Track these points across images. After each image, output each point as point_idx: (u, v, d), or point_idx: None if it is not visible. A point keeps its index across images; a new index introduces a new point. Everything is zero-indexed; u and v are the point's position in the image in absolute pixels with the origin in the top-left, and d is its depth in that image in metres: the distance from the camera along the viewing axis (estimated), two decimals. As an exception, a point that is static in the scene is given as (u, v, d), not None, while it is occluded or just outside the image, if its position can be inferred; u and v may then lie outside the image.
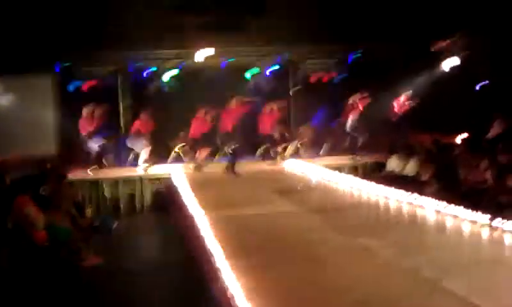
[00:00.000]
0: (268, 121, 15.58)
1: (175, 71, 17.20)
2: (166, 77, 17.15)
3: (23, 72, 16.65)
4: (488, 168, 10.30)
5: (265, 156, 16.15)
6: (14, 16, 16.08)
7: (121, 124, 17.22)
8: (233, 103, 14.85)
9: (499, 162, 10.58)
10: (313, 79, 17.99)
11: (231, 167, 14.05)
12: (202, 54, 16.68)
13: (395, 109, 16.37)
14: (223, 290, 4.70)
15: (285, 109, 16.40)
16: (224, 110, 14.84)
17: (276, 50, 17.79)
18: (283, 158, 15.73)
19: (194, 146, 15.24)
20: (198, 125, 14.94)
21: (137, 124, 15.41)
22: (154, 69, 17.12)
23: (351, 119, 15.78)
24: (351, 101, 15.89)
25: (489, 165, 10.39)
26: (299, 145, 17.32)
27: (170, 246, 9.74)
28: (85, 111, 15.24)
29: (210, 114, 14.93)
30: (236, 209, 8.76)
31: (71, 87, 16.96)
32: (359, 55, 17.80)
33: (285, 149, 16.22)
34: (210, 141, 15.09)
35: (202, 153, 15.01)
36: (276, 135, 15.79)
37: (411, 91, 16.38)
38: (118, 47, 16.68)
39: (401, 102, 16.37)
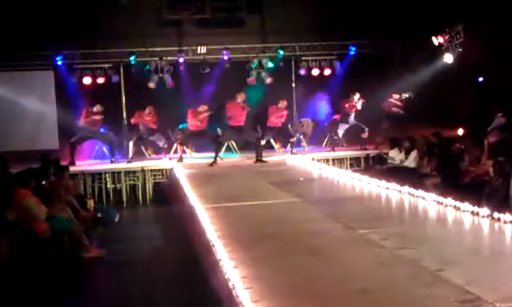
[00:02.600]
0: (275, 114, 15.54)
1: (173, 67, 17.25)
2: (165, 72, 17.19)
3: (24, 67, 16.72)
4: (489, 161, 10.31)
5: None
6: (14, 11, 16.11)
7: (124, 117, 17.24)
8: (241, 99, 14.88)
9: (489, 142, 10.59)
10: (314, 73, 18.00)
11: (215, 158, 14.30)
12: (201, 50, 16.76)
13: (386, 105, 16.38)
14: (224, 281, 4.71)
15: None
16: (228, 104, 14.84)
17: (274, 45, 17.80)
18: (291, 151, 15.75)
19: (189, 140, 15.37)
20: (194, 120, 14.97)
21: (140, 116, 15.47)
22: (153, 64, 17.15)
23: (351, 115, 15.89)
24: (350, 101, 15.95)
25: (489, 158, 10.40)
26: (301, 137, 17.39)
27: (172, 238, 9.77)
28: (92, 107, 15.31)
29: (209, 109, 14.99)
30: (237, 201, 8.76)
31: (72, 83, 16.99)
32: (358, 49, 17.78)
33: (287, 142, 16.25)
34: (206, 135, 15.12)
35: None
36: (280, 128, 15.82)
37: (406, 94, 16.35)
38: (118, 42, 16.72)
39: (393, 100, 16.36)
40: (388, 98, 16.41)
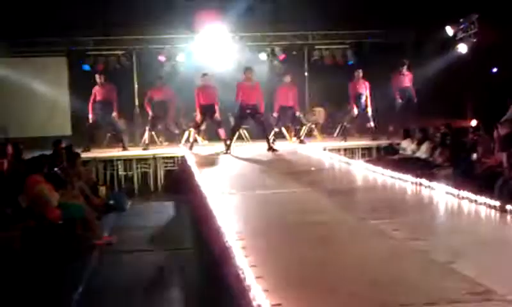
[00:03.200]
0: (287, 94, 15.53)
1: (186, 53, 17.27)
2: (178, 59, 17.22)
3: (37, 53, 16.79)
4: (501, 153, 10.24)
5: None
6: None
7: (136, 104, 17.29)
8: (250, 75, 14.50)
9: (500, 134, 10.52)
10: (327, 62, 17.94)
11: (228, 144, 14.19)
12: (214, 36, 16.73)
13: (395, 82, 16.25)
14: (235, 271, 4.73)
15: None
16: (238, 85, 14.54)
17: (287, 34, 17.76)
18: (299, 140, 15.70)
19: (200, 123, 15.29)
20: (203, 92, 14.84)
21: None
22: (166, 51, 17.18)
23: (361, 97, 15.82)
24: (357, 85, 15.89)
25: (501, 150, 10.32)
26: (313, 127, 17.38)
27: (182, 226, 9.81)
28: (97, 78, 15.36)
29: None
30: (248, 189, 8.78)
31: (85, 69, 17.04)
32: (372, 39, 17.70)
33: (299, 130, 16.25)
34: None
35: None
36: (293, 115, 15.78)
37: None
38: (130, 28, 16.75)
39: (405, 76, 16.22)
40: (398, 73, 16.26)
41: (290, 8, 17.75)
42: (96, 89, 15.12)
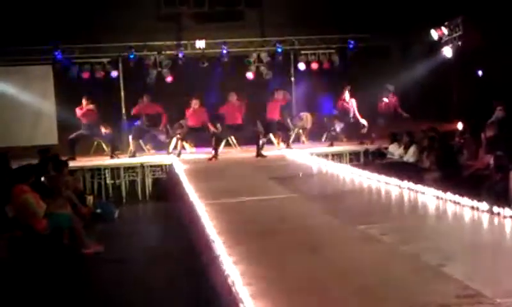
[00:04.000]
0: (275, 107, 15.51)
1: (172, 61, 17.23)
2: (164, 67, 17.19)
3: (23, 62, 16.70)
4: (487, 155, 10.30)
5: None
6: (13, 5, 16.08)
7: (123, 112, 17.23)
8: (233, 98, 14.93)
9: (486, 136, 10.58)
10: (313, 67, 17.97)
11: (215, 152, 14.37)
12: (199, 44, 16.77)
13: (383, 107, 16.34)
14: (223, 277, 4.71)
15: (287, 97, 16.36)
16: (225, 106, 14.95)
17: (273, 39, 17.78)
18: (287, 145, 15.69)
19: (188, 135, 15.39)
20: (192, 115, 15.00)
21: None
22: (152, 59, 17.15)
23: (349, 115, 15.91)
24: (343, 99, 15.94)
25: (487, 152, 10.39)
26: (300, 132, 17.39)
27: (171, 234, 9.76)
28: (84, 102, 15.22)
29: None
30: (236, 196, 8.75)
31: (71, 78, 16.96)
32: (357, 43, 17.75)
33: (286, 136, 16.21)
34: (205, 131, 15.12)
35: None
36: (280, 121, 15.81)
37: (390, 87, 16.30)
38: (116, 36, 16.70)
39: (388, 99, 16.31)
40: (383, 98, 16.36)
41: (276, 14, 17.79)
42: (81, 112, 15.11)
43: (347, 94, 15.98)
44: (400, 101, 16.23)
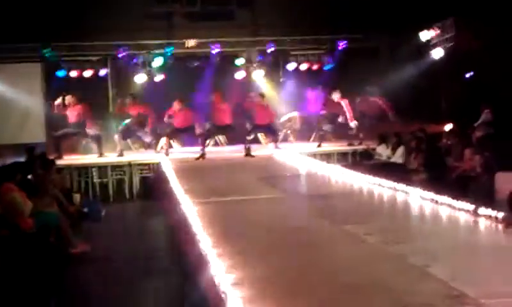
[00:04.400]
0: (262, 110, 15.46)
1: (162, 60, 17.18)
2: (154, 66, 17.14)
3: (11, 59, 16.60)
4: (476, 156, 10.36)
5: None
6: (2, 2, 15.97)
7: (111, 111, 17.18)
8: (216, 99, 14.85)
9: (476, 137, 10.66)
10: (302, 68, 17.99)
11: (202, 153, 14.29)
12: (190, 43, 16.73)
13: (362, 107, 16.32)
14: (210, 277, 4.70)
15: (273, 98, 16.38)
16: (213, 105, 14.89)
17: (264, 39, 17.78)
18: (275, 145, 15.66)
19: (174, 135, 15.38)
20: (178, 116, 14.99)
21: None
22: (142, 57, 17.10)
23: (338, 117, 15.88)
24: (335, 98, 15.89)
25: (476, 153, 10.45)
26: (288, 132, 17.38)
27: (158, 233, 9.75)
28: (67, 100, 15.06)
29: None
30: (223, 196, 8.76)
31: (59, 76, 16.89)
32: (347, 44, 17.79)
33: (275, 137, 16.17)
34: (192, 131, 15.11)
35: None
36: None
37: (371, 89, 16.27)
38: (106, 35, 16.64)
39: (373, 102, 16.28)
40: (365, 99, 16.32)
41: (266, 14, 17.80)
42: (68, 112, 14.95)
43: (335, 96, 15.88)
44: (389, 102, 16.17)
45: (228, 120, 14.90)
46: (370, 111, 16.10)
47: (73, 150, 15.93)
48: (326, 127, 16.15)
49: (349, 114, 15.70)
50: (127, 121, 15.40)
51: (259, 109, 15.34)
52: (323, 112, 16.36)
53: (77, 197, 11.74)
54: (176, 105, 14.97)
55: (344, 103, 15.76)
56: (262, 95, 15.80)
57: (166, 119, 15.28)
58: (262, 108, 15.37)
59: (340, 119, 15.87)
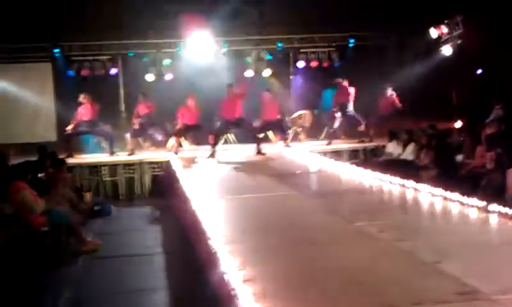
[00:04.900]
0: (272, 107, 15.44)
1: (172, 59, 17.21)
2: (164, 64, 17.17)
3: (23, 59, 16.70)
4: (487, 153, 10.30)
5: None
6: (13, 2, 16.04)
7: (122, 109, 17.24)
8: (231, 93, 14.65)
9: (487, 134, 10.59)
10: (312, 65, 17.97)
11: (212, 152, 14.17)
12: (199, 42, 16.72)
13: (385, 106, 16.21)
14: (221, 274, 4.71)
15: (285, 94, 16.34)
16: (223, 99, 14.72)
17: (273, 37, 17.77)
18: (285, 143, 15.63)
19: (183, 133, 15.37)
20: (186, 114, 15.01)
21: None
22: (151, 56, 17.15)
23: (348, 105, 15.77)
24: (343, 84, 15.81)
25: (488, 150, 10.38)
26: (299, 130, 17.35)
27: (168, 230, 9.76)
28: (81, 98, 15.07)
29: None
30: (234, 193, 8.76)
31: (70, 75, 16.96)
32: (356, 41, 17.75)
33: (285, 135, 16.14)
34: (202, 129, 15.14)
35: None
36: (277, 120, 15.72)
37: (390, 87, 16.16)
38: (116, 34, 16.68)
39: (389, 99, 16.17)
40: (384, 96, 16.23)
41: (275, 12, 17.78)
42: (81, 110, 14.94)
43: (344, 84, 15.78)
44: (398, 98, 16.09)
45: (238, 114, 14.61)
46: (387, 109, 16.03)
47: (81, 150, 15.95)
48: (336, 122, 16.03)
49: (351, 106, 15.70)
50: (138, 119, 15.39)
51: (266, 105, 15.32)
52: (333, 109, 16.20)
53: (87, 195, 11.80)
54: (189, 102, 14.96)
55: (352, 90, 15.67)
56: (268, 90, 15.75)
57: (179, 117, 15.17)
58: (269, 103, 15.34)
59: (349, 110, 15.72)
